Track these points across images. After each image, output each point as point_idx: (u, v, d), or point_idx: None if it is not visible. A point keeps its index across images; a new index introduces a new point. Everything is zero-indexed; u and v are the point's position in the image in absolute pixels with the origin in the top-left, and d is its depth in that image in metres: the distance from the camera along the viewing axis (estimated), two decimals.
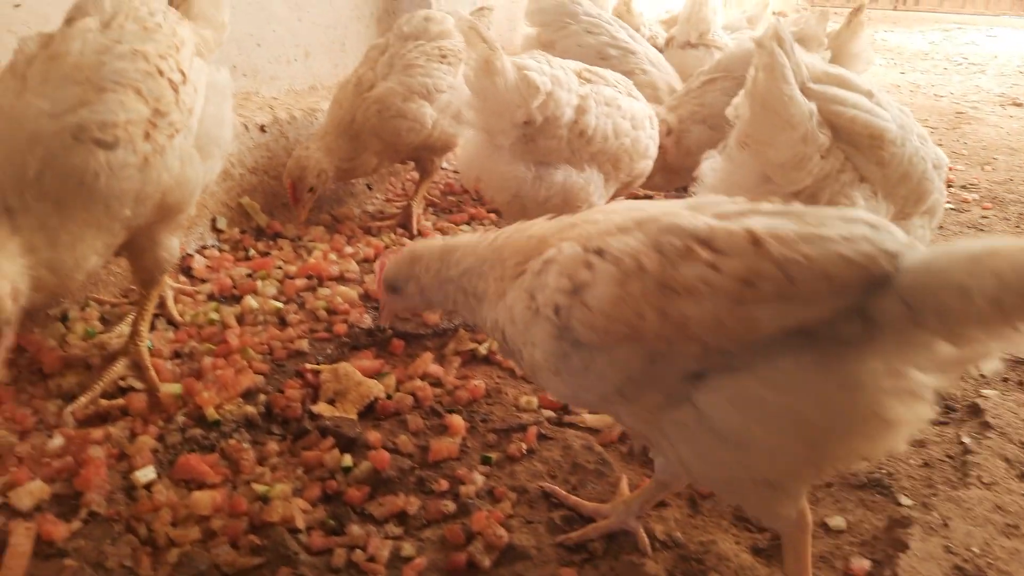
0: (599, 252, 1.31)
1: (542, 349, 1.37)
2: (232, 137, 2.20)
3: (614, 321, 1.27)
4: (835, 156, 1.81)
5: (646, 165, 2.66)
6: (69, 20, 1.78)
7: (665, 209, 1.40)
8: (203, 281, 2.57)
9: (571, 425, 2.07)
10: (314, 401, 2.06)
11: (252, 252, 2.82)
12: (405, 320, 2.44)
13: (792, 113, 1.79)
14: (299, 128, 3.20)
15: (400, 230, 3.20)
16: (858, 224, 1.24)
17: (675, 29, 4.71)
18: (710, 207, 1.38)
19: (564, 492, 1.79)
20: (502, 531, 1.64)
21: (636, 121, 2.57)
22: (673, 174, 3.15)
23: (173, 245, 2.01)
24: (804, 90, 1.83)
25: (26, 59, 1.69)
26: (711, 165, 2.09)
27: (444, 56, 3.03)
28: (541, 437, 1.99)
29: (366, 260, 2.88)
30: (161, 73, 1.77)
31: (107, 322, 2.27)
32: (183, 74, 1.85)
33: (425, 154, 3.18)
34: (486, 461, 1.91)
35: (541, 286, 1.37)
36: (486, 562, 1.59)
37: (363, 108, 2.87)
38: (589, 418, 2.08)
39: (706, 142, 3.02)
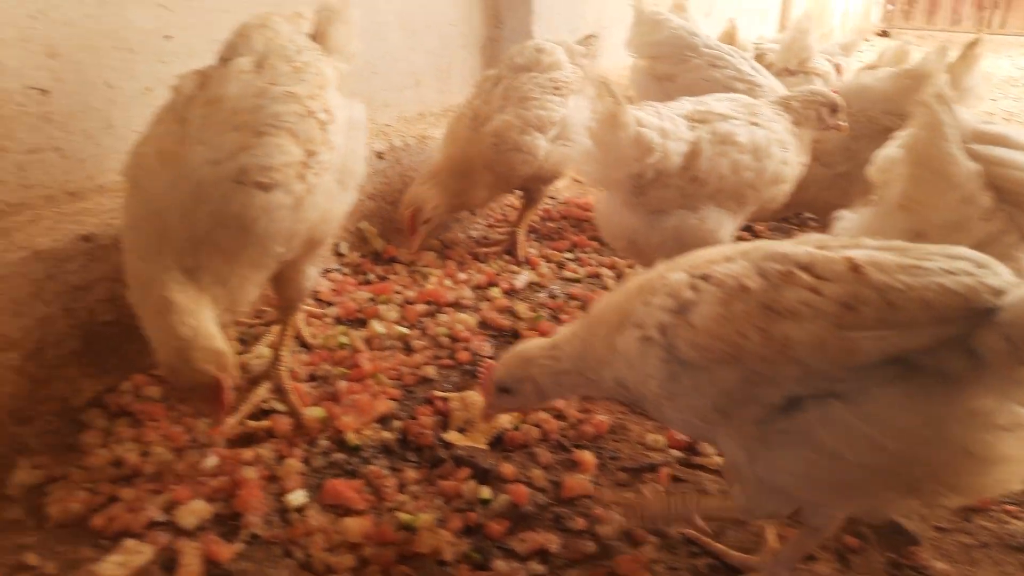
0: (705, 277, 1.40)
1: (656, 378, 1.43)
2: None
3: (717, 339, 1.34)
4: (998, 218, 1.75)
5: (779, 190, 2.60)
6: (224, 60, 1.84)
7: (767, 242, 1.48)
8: (329, 304, 2.64)
9: (701, 467, 2.04)
10: (445, 429, 2.09)
11: (372, 276, 2.88)
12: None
13: (954, 174, 1.75)
14: (412, 155, 3.26)
15: (507, 256, 3.23)
16: (962, 260, 1.28)
17: (774, 56, 4.66)
18: (813, 241, 1.45)
19: (707, 539, 1.76)
20: None
21: (759, 151, 2.50)
22: (782, 208, 3.09)
23: (313, 274, 2.08)
24: (966, 150, 1.78)
25: (185, 100, 1.75)
26: (853, 218, 2.04)
27: (557, 88, 3.04)
28: (674, 479, 1.97)
29: (478, 287, 2.91)
30: (311, 113, 1.82)
31: (244, 342, 2.35)
32: (329, 113, 1.90)
33: (534, 184, 3.20)
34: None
35: (647, 310, 1.44)
36: None
37: (478, 142, 2.90)
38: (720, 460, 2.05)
39: (820, 178, 2.99)
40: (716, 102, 2.59)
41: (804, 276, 1.30)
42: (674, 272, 1.47)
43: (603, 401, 2.30)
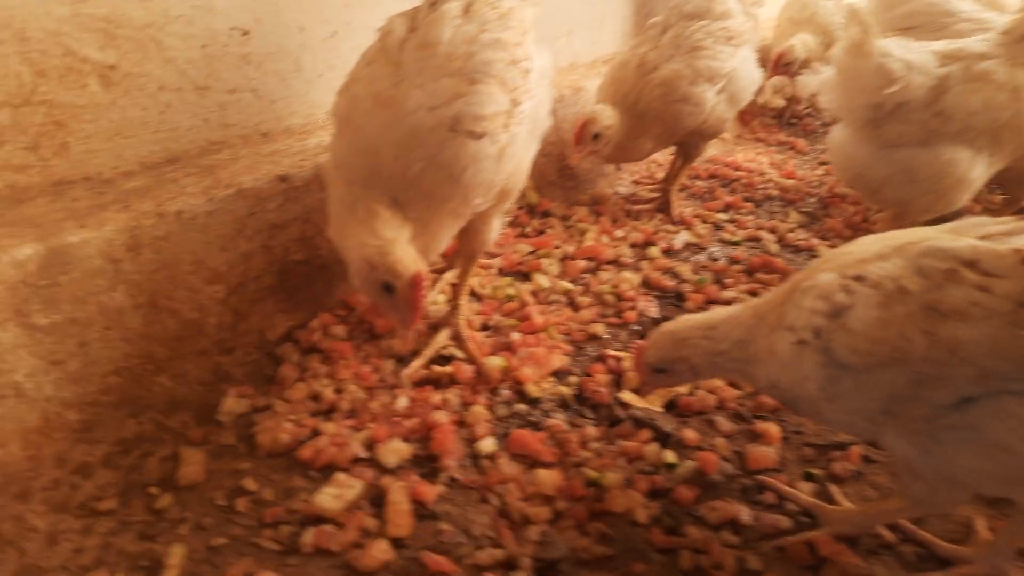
0: (858, 278, 1.33)
1: (815, 379, 1.36)
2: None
3: (878, 343, 1.28)
4: None
5: None
6: (432, 4, 1.81)
7: (923, 234, 1.37)
8: (492, 256, 2.63)
9: None
10: (619, 388, 2.05)
11: (528, 229, 2.85)
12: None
13: None
14: (567, 106, 3.18)
15: (660, 215, 3.14)
16: None
17: None
18: (972, 229, 1.36)
19: (913, 526, 1.66)
20: (857, 560, 1.55)
21: (1020, 92, 2.36)
22: None
23: (498, 226, 2.06)
24: None
25: (397, 43, 1.74)
26: None
27: (731, 38, 2.87)
28: (866, 460, 1.87)
29: (635, 245, 2.84)
30: (516, 62, 1.78)
31: None
32: (529, 61, 1.86)
33: (695, 139, 3.07)
34: (809, 478, 1.81)
35: (798, 313, 1.37)
36: None
37: (647, 91, 2.77)
38: None
39: None
40: (976, 42, 2.48)
41: (970, 274, 1.23)
42: (823, 272, 1.39)
43: None
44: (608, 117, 2.69)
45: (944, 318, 1.23)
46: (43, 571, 1.40)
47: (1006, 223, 1.33)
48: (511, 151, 1.80)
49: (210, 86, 2.00)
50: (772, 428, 1.91)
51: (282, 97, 2.22)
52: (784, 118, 4.78)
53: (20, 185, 1.69)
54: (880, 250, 1.36)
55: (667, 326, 1.66)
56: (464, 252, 2.08)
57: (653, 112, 2.80)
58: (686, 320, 1.65)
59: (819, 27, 4.44)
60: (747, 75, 2.98)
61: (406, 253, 1.58)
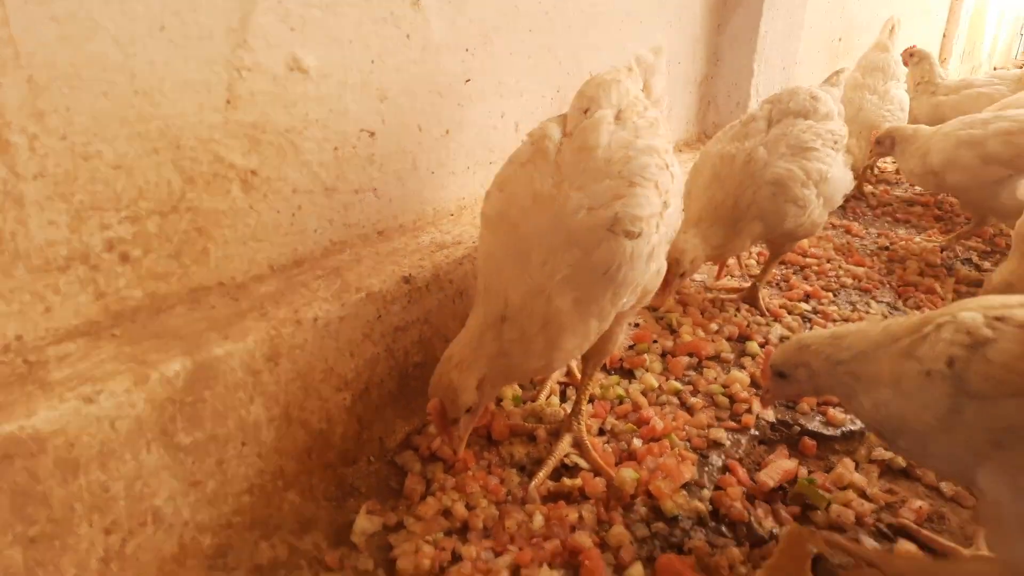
0: (1001, 319, 1.41)
1: (934, 409, 1.42)
2: None
3: (1014, 373, 1.35)
4: None
5: None
6: (584, 110, 1.82)
7: None
8: None
9: None
10: (752, 503, 1.95)
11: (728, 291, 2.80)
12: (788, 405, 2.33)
13: None
14: None
15: (745, 306, 3.08)
16: None
17: None
18: None
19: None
20: None
21: None
22: None
23: (627, 329, 2.01)
24: None
25: (554, 146, 1.74)
26: None
27: (836, 142, 2.85)
28: None
29: (730, 338, 2.78)
30: (666, 167, 1.80)
31: (522, 387, 2.31)
32: (675, 166, 1.88)
33: (787, 239, 2.99)
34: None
35: (932, 344, 1.45)
36: None
37: (753, 188, 2.68)
38: None
39: None
40: None
41: None
42: (967, 311, 1.46)
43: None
44: (691, 252, 2.59)
45: None
46: None
47: None
48: (658, 251, 1.79)
49: (337, 187, 1.98)
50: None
51: (398, 196, 2.20)
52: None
53: (160, 293, 1.64)
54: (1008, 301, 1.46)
55: (797, 336, 1.79)
56: (592, 354, 2.02)
57: (757, 211, 2.71)
58: (816, 331, 1.76)
59: (864, 124, 4.52)
60: (841, 178, 2.93)
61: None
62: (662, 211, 1.75)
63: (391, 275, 1.95)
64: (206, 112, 1.62)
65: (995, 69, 12.40)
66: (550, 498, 1.87)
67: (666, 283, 2.60)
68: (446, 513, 1.77)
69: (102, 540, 1.38)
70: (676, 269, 2.59)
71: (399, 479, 1.88)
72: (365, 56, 1.94)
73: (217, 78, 1.63)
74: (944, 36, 9.96)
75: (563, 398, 2.29)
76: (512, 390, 2.23)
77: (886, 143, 4.00)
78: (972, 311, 1.46)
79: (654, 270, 1.82)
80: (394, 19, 1.98)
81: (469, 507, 1.79)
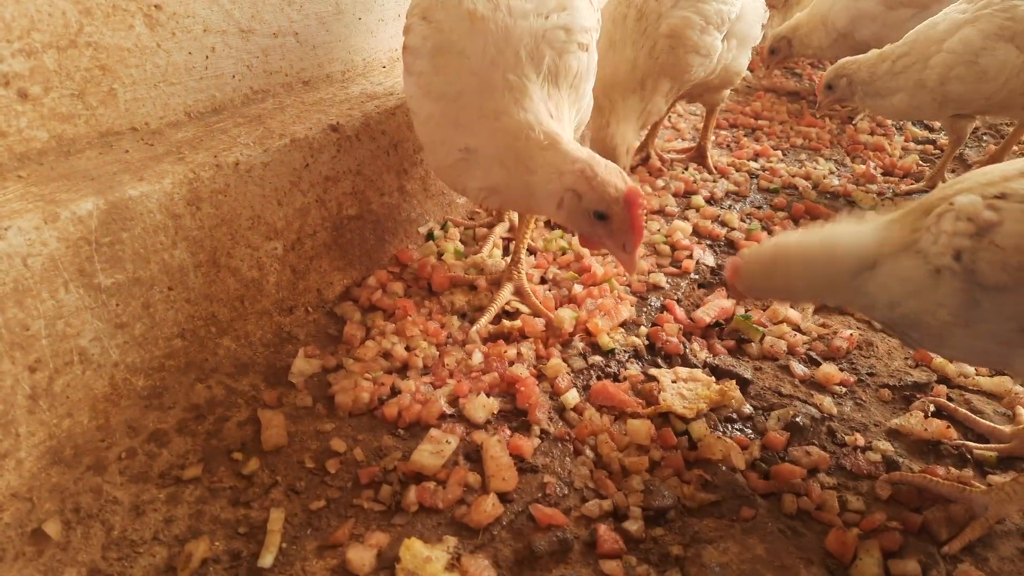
0: (1002, 196, 1.28)
1: (949, 306, 1.31)
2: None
3: None
4: None
5: None
6: None
7: None
8: None
9: (963, 387, 1.91)
10: (688, 338, 2.00)
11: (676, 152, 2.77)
12: None
13: None
14: None
15: (695, 165, 3.07)
16: None
17: None
18: None
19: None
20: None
21: None
22: (952, 107, 2.68)
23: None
24: None
25: None
26: None
27: None
28: (950, 399, 1.85)
29: (677, 195, 2.78)
30: None
31: (464, 243, 2.29)
32: None
33: (704, 91, 2.83)
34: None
35: (934, 237, 1.31)
36: (943, 534, 1.49)
37: (650, 46, 2.42)
38: (984, 381, 1.92)
39: (1011, 64, 2.43)
40: None
41: None
42: (963, 194, 1.32)
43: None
44: (621, 137, 2.39)
45: None
46: (135, 544, 1.31)
47: None
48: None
49: (254, 29, 1.87)
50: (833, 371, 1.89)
51: (323, 42, 2.09)
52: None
53: (67, 136, 1.56)
54: (1020, 168, 1.30)
55: (770, 242, 1.53)
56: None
57: (659, 68, 2.45)
58: (791, 238, 1.51)
59: None
60: (753, 10, 2.67)
61: (610, 172, 1.47)
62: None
63: (317, 123, 1.88)
64: None
65: None
66: (490, 339, 1.89)
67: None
68: (386, 355, 1.79)
69: (27, 377, 1.36)
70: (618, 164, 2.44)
71: (338, 328, 1.88)
72: None
73: None
74: None
75: (506, 252, 2.29)
76: (454, 244, 2.22)
77: (783, 48, 3.86)
78: (968, 192, 1.32)
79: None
80: None
81: (409, 349, 1.81)
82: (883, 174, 3.19)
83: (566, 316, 1.92)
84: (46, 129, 1.52)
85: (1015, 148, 2.97)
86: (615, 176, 1.47)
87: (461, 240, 2.29)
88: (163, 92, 1.72)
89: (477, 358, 1.78)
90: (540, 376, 1.78)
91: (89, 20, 1.53)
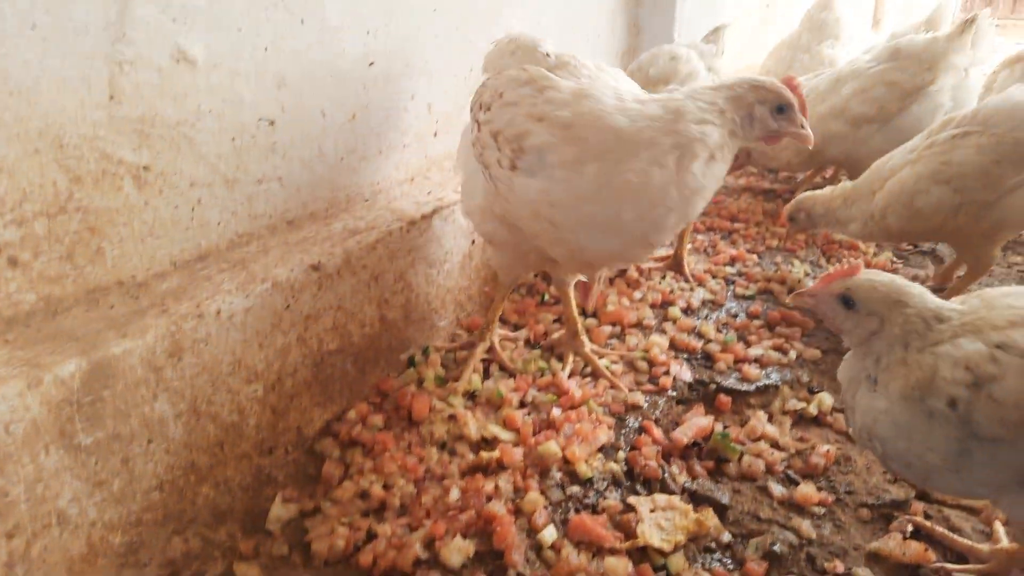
0: (1001, 346, 1.30)
1: (941, 452, 1.33)
2: None
3: None
4: None
5: None
6: None
7: None
8: (516, 327, 2.61)
9: (942, 502, 1.92)
10: (668, 460, 2.02)
11: (547, 296, 2.84)
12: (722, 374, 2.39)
13: None
14: None
15: (672, 273, 3.15)
16: None
17: None
18: None
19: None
20: None
21: None
22: (898, 238, 2.88)
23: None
24: None
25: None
26: None
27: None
28: (927, 516, 1.86)
29: (654, 306, 2.84)
30: None
31: (445, 367, 2.34)
32: None
33: None
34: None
35: (936, 383, 1.34)
36: None
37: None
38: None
39: (946, 206, 2.54)
40: None
41: None
42: (967, 338, 1.35)
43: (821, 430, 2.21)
44: None
45: None
46: None
47: None
48: None
49: (239, 178, 1.97)
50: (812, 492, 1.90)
51: (307, 183, 2.19)
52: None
53: (55, 296, 1.62)
54: (1012, 317, 1.34)
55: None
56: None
57: None
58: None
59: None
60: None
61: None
62: None
63: (299, 264, 1.96)
64: (88, 109, 1.60)
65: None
66: (468, 472, 1.91)
67: (588, 287, 2.47)
68: (363, 495, 1.80)
69: (5, 544, 1.37)
70: (595, 273, 2.40)
71: (317, 466, 1.90)
72: (257, 43, 1.93)
73: (97, 74, 1.60)
74: None
75: (486, 375, 2.33)
76: (434, 370, 2.26)
77: (742, 159, 3.90)
78: (974, 337, 1.35)
79: None
80: (285, 4, 1.97)
81: (387, 487, 1.82)
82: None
83: (550, 450, 1.93)
84: (34, 292, 1.59)
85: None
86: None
87: (442, 364, 2.34)
88: (150, 245, 1.79)
89: (455, 495, 1.79)
90: (518, 511, 1.79)
91: (79, 187, 1.62)
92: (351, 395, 2.10)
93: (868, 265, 3.33)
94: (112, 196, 1.69)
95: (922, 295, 1.48)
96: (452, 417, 2.07)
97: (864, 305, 1.50)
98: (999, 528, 1.77)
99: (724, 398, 2.28)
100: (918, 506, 1.87)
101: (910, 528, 1.80)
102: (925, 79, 3.35)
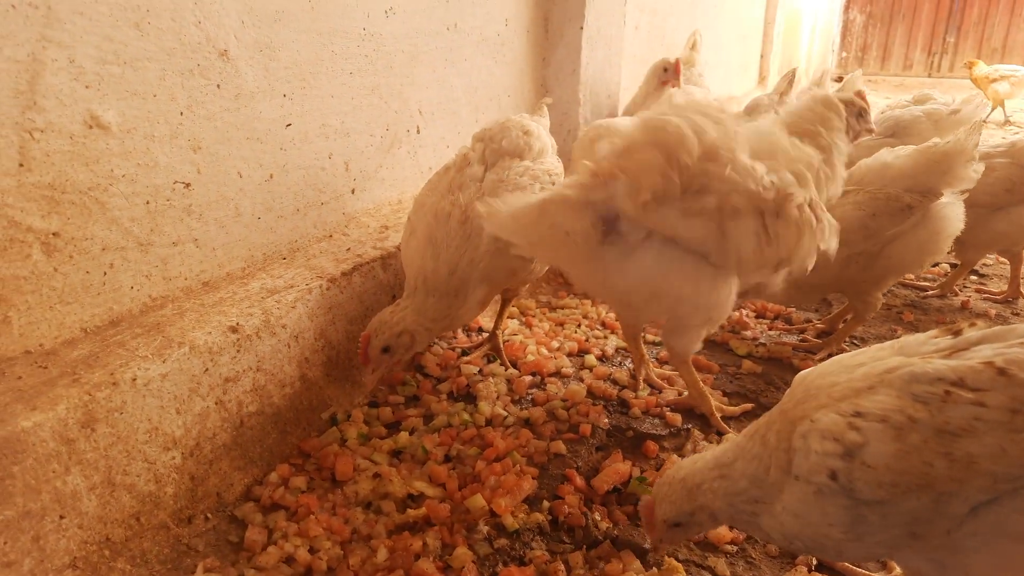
0: (857, 414, 1.37)
1: (840, 524, 1.40)
2: None
3: (903, 474, 1.32)
4: None
5: None
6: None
7: (894, 362, 1.44)
8: (440, 380, 2.63)
9: None
10: (590, 507, 2.09)
11: (469, 348, 2.89)
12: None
13: None
14: None
15: (586, 321, 3.27)
16: None
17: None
18: (911, 348, 1.48)
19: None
20: None
21: None
22: (809, 293, 3.06)
23: None
24: None
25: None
26: None
27: (554, 182, 2.46)
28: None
29: (570, 354, 2.94)
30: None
31: (368, 423, 2.34)
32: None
33: (518, 286, 2.77)
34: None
35: (805, 458, 1.41)
36: None
37: (472, 250, 2.25)
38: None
39: (839, 257, 2.61)
40: None
41: (964, 393, 1.32)
42: (819, 411, 1.43)
43: None
44: (400, 323, 2.18)
45: (956, 437, 1.30)
46: None
47: (940, 338, 1.47)
48: None
49: (153, 241, 1.94)
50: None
51: (223, 244, 2.18)
52: None
53: None
54: (863, 382, 1.42)
55: (673, 474, 1.62)
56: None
57: (481, 272, 2.29)
58: (692, 463, 1.62)
59: None
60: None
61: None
62: None
63: (217, 326, 1.94)
64: None
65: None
66: (395, 530, 1.91)
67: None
68: (289, 560, 1.77)
69: None
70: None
71: (239, 533, 1.85)
72: (172, 108, 1.93)
73: (6, 141, 1.57)
74: (761, 57, 10.98)
75: (411, 431, 2.34)
76: (357, 428, 2.26)
77: None
78: (825, 410, 1.40)
79: None
80: (201, 70, 1.99)
81: (313, 551, 1.80)
82: (756, 317, 3.50)
83: (478, 504, 1.96)
84: None
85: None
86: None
87: (365, 421, 2.33)
88: (59, 312, 1.74)
89: (382, 555, 1.79)
90: (447, 568, 1.80)
91: None
92: (272, 457, 2.07)
93: (764, 310, 3.57)
94: (20, 264, 1.64)
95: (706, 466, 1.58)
96: (377, 475, 2.07)
97: (682, 511, 1.58)
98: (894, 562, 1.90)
99: (652, 444, 2.37)
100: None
101: (815, 562, 1.93)
102: None
